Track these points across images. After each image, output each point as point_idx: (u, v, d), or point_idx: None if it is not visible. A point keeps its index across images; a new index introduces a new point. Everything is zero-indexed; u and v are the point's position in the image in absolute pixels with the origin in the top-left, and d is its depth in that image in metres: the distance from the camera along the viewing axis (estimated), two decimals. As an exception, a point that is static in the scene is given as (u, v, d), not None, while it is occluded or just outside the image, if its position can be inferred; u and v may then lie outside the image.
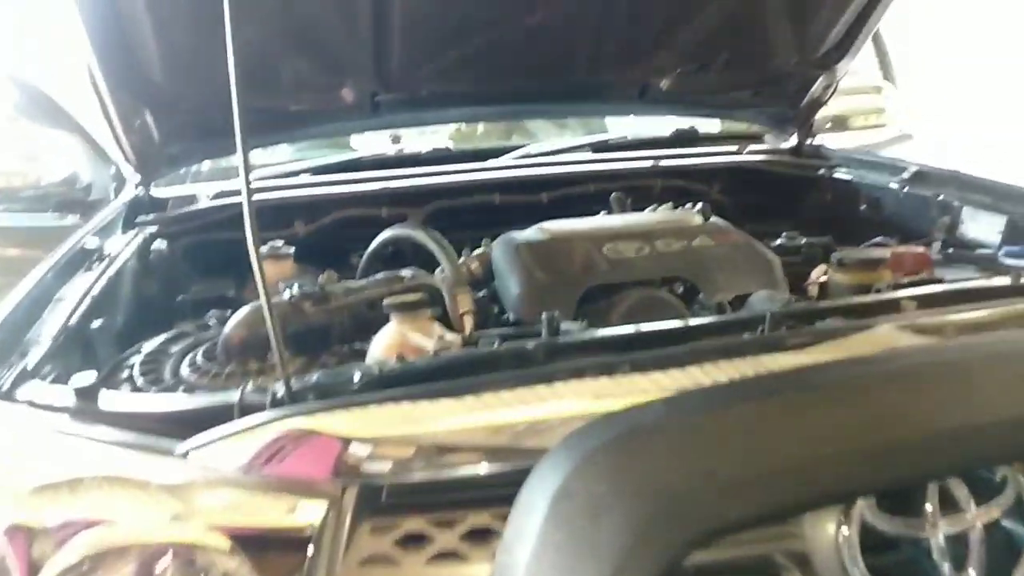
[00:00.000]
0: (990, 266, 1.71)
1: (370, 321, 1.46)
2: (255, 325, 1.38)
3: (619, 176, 2.34)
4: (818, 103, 2.56)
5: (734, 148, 2.60)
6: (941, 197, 2.10)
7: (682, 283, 1.58)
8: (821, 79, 2.45)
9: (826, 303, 1.31)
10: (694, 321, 1.23)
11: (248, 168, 0.99)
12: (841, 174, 2.46)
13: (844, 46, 2.34)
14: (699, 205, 1.93)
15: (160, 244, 1.99)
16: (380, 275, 1.55)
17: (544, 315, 1.13)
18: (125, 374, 1.35)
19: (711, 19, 2.19)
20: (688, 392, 0.91)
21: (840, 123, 3.13)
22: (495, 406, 0.89)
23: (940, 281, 1.34)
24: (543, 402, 0.91)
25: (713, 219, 1.80)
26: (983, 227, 1.97)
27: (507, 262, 1.60)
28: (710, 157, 2.47)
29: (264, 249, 1.88)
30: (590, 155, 2.52)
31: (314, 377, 0.99)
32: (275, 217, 2.10)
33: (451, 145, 2.55)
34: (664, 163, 2.41)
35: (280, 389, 0.95)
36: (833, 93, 2.51)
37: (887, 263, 1.49)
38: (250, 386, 0.97)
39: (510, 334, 1.26)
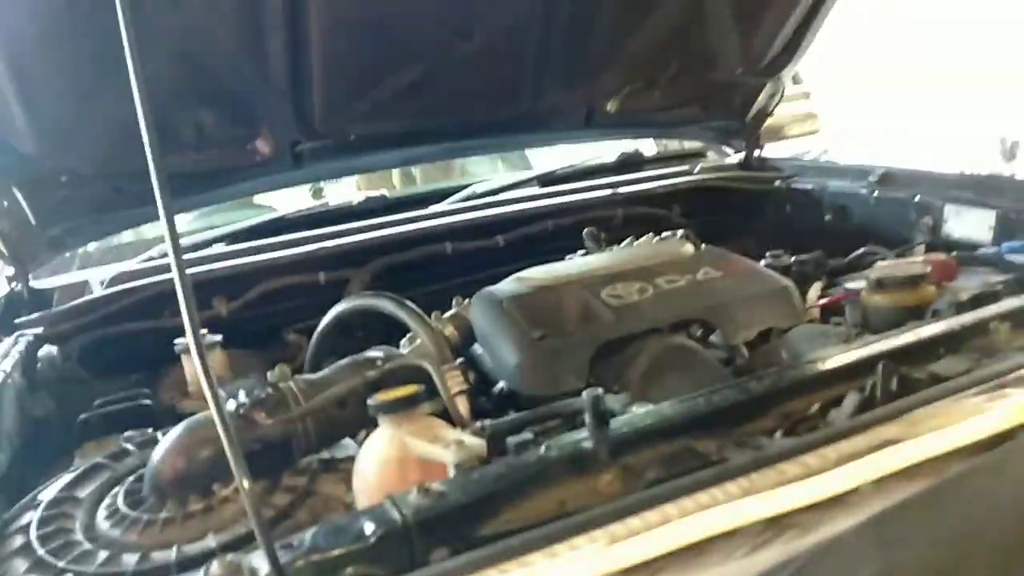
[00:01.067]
0: (1004, 266, 1.58)
1: (340, 423, 1.16)
2: (194, 449, 1.06)
3: (576, 209, 2.12)
4: (764, 113, 2.45)
5: (685, 167, 2.44)
6: (918, 198, 1.99)
7: (698, 325, 1.36)
8: (767, 87, 2.34)
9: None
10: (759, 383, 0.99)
11: (176, 235, 0.70)
12: (800, 184, 2.34)
13: (789, 51, 2.23)
14: (679, 232, 1.74)
15: (48, 349, 1.61)
16: (344, 361, 1.26)
17: (587, 395, 0.87)
18: (18, 542, 1.00)
19: (656, 32, 2.03)
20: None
21: (775, 133, 3.04)
22: (623, 553, 0.61)
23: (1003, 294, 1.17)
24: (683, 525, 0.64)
25: (704, 246, 1.60)
26: (971, 224, 1.86)
27: (493, 324, 1.34)
28: (667, 179, 2.30)
29: (182, 341, 1.55)
30: (538, 190, 2.30)
31: (306, 539, 0.70)
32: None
33: (384, 193, 2.27)
34: (622, 190, 2.21)
35: (262, 567, 0.65)
36: (779, 101, 2.41)
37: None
38: (216, 568, 0.66)
39: (536, 420, 1.00)
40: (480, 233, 2.02)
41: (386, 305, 1.34)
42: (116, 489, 1.10)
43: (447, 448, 0.86)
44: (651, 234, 1.75)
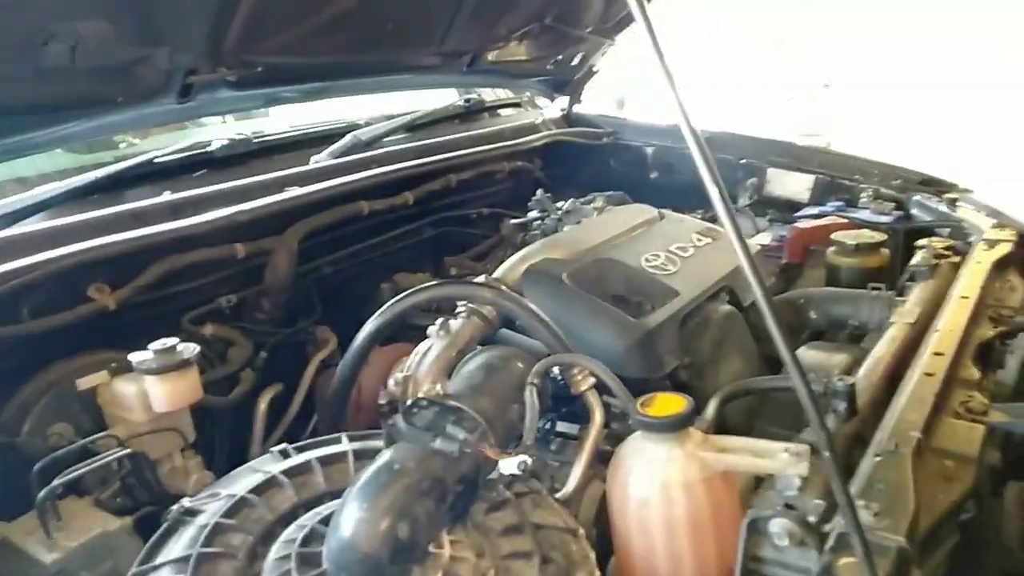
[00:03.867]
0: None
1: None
2: (408, 506, 0.83)
3: (471, 164, 2.04)
4: (592, 70, 2.60)
5: (530, 120, 2.48)
6: (744, 160, 2.36)
7: (726, 291, 1.48)
8: (604, 47, 2.48)
9: None
10: None
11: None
12: (628, 141, 2.56)
13: (630, 16, 2.39)
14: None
15: None
16: (483, 364, 1.09)
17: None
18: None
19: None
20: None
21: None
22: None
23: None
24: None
25: (664, 212, 1.72)
26: (791, 186, 2.29)
27: (573, 305, 1.28)
28: (528, 136, 2.31)
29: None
30: (425, 141, 2.11)
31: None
32: (59, 288, 1.26)
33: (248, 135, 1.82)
34: (500, 145, 2.18)
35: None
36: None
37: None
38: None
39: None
40: (388, 191, 1.82)
41: (523, 313, 1.16)
42: (279, 548, 0.82)
43: (777, 458, 0.86)
44: (599, 199, 1.80)
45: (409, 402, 0.96)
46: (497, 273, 1.38)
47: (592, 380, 1.11)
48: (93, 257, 1.30)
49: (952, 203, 1.92)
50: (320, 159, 1.85)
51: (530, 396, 1.01)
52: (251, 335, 1.54)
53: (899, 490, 0.83)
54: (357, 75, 1.81)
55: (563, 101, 2.67)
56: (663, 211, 1.72)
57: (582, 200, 1.89)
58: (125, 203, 1.48)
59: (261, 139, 1.84)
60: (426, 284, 1.20)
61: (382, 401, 1.24)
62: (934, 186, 2.08)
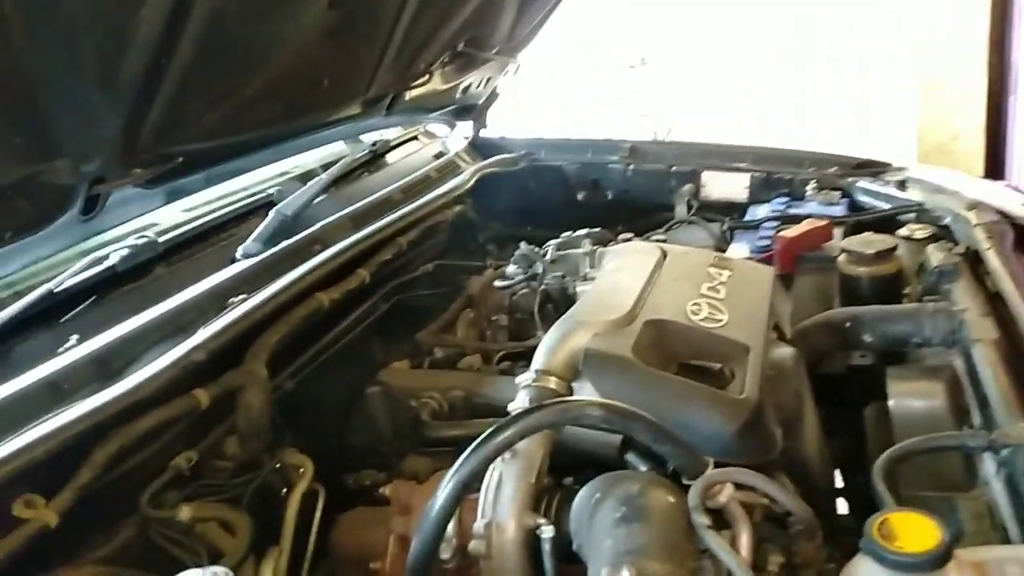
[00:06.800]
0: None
1: None
2: None
3: (416, 222, 1.79)
4: (496, 92, 2.40)
5: (444, 159, 2.24)
6: (675, 168, 2.27)
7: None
8: (510, 66, 2.29)
9: None
10: None
11: None
12: (546, 161, 2.39)
13: (534, 30, 2.22)
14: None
15: None
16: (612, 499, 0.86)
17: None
18: None
19: (456, 8, 1.78)
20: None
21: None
22: None
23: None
24: None
25: (665, 245, 1.57)
26: (727, 187, 2.23)
27: (657, 391, 1.09)
28: (459, 176, 2.08)
29: None
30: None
31: None
32: None
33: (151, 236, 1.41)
34: (442, 192, 1.93)
35: None
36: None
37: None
38: None
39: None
40: (343, 273, 1.52)
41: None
42: None
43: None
44: (586, 238, 1.62)
45: None
46: (539, 362, 1.16)
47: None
48: (15, 468, 0.92)
49: (901, 184, 1.93)
50: (248, 249, 1.51)
51: (716, 544, 0.81)
52: (220, 492, 1.21)
53: None
54: (280, 142, 1.48)
55: (466, 127, 2.46)
56: (659, 245, 1.56)
57: (558, 242, 1.69)
58: (27, 364, 1.09)
59: (166, 237, 1.46)
60: (511, 418, 0.94)
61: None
62: (870, 168, 2.10)
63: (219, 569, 0.82)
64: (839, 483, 1.53)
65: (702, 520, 0.84)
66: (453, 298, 1.82)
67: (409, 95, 1.84)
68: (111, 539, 1.09)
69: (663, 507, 0.89)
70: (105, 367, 1.13)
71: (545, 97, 4.93)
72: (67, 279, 1.25)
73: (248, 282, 1.36)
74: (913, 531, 0.75)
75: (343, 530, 1.26)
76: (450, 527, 1.02)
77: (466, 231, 2.13)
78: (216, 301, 1.30)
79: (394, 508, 1.19)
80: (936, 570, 0.73)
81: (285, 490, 1.34)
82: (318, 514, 1.32)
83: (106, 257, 1.36)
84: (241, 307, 1.26)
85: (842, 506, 1.52)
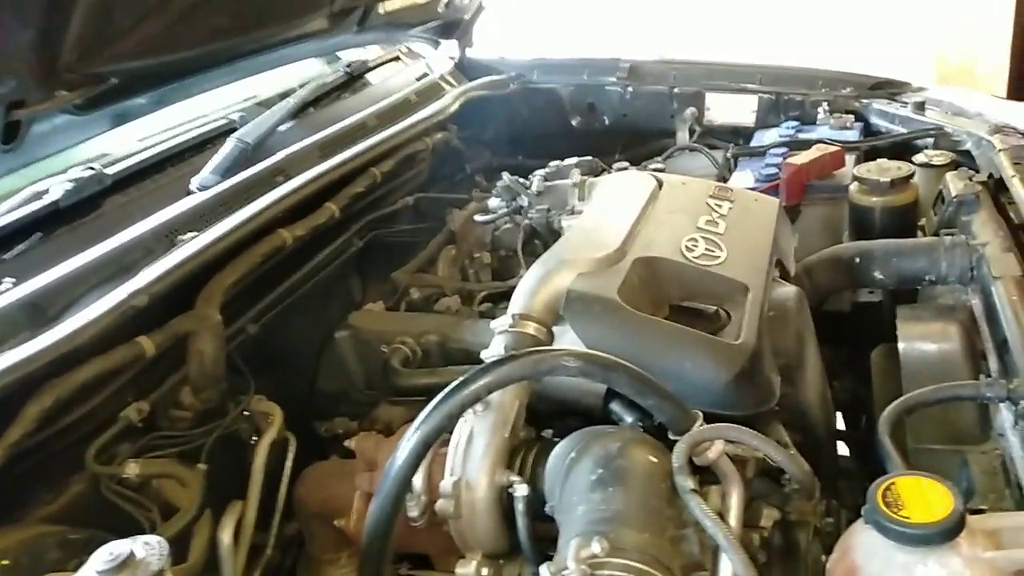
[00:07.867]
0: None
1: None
2: None
3: (392, 151, 1.66)
4: (481, 7, 2.22)
5: (427, 78, 2.08)
6: (678, 89, 2.11)
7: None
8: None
9: None
10: None
11: None
12: (538, 83, 2.23)
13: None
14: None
15: None
16: (589, 457, 0.77)
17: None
18: None
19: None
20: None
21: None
22: None
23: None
24: None
25: (663, 176, 1.44)
26: (733, 110, 2.08)
27: (646, 336, 0.99)
28: (443, 100, 1.92)
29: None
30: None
31: None
32: None
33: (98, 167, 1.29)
34: (417, 117, 1.78)
35: None
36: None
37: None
38: None
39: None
40: (308, 207, 1.40)
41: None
42: None
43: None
44: (575, 167, 1.48)
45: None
46: (517, 306, 1.06)
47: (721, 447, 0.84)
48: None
49: (919, 107, 1.78)
50: (204, 181, 1.39)
51: (701, 512, 0.72)
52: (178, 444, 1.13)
53: None
54: (232, 60, 1.34)
55: (451, 47, 2.28)
56: (655, 174, 1.43)
57: (545, 172, 1.55)
58: None
59: (116, 169, 1.34)
60: (480, 369, 0.85)
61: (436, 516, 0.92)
62: (887, 88, 1.95)
63: (151, 538, 0.74)
64: (840, 425, 1.46)
65: (686, 483, 0.75)
66: (434, 234, 1.72)
67: (383, 7, 1.68)
68: (58, 497, 1.03)
69: (644, 469, 0.80)
70: (39, 313, 1.03)
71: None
72: (1, 216, 1.14)
73: (202, 217, 1.25)
74: (922, 498, 0.66)
75: (307, 485, 1.18)
76: (419, 483, 0.95)
77: (451, 160, 1.99)
78: (165, 238, 1.19)
79: (359, 463, 1.11)
80: (946, 543, 0.64)
81: (254, 439, 1.28)
82: (289, 464, 1.26)
83: (47, 191, 1.25)
84: (189, 246, 1.15)
85: (842, 447, 1.45)
